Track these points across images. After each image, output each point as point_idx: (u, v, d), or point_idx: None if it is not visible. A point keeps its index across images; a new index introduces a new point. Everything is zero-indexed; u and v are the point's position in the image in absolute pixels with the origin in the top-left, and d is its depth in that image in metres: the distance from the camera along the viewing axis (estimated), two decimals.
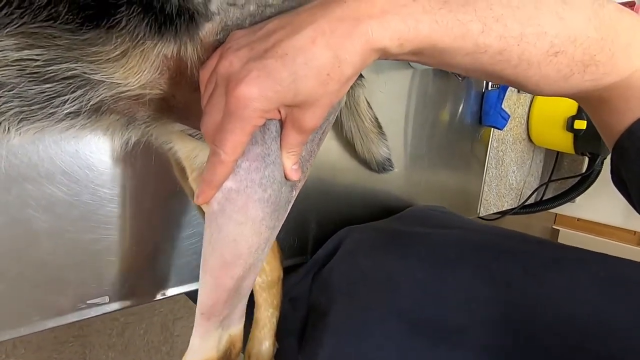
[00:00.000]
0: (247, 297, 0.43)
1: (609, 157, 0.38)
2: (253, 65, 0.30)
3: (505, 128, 0.94)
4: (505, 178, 1.09)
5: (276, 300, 0.54)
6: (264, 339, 0.52)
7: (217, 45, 0.35)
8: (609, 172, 0.42)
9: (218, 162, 0.33)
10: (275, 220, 0.38)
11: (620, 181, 0.40)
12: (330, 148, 0.65)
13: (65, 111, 0.33)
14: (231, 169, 0.34)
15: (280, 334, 0.54)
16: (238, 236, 0.36)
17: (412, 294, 0.46)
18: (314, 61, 0.29)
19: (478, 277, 0.44)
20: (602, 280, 0.39)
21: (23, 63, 0.29)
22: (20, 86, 0.30)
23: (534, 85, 0.35)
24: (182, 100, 0.38)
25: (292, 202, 0.40)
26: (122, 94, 0.34)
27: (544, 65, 0.33)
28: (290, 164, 0.36)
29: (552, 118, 1.05)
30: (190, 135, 0.44)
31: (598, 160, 1.04)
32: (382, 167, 0.69)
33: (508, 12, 0.31)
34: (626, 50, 0.34)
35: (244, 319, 0.44)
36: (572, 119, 0.99)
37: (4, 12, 0.27)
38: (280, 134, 0.35)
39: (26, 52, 0.29)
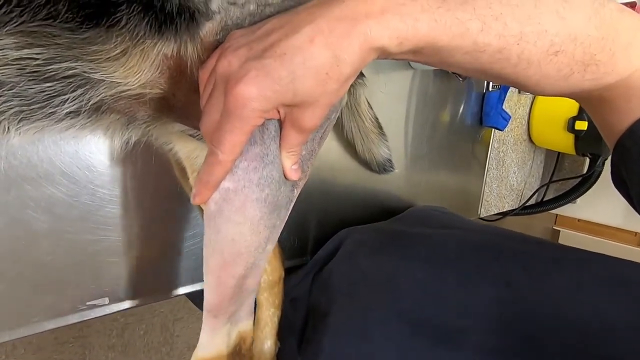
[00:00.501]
0: (254, 294, 0.43)
1: (610, 158, 0.38)
2: (252, 65, 0.29)
3: (506, 129, 0.94)
4: (506, 179, 1.09)
5: (277, 300, 0.54)
6: (266, 338, 0.52)
7: (217, 44, 0.35)
8: (610, 172, 0.42)
9: (216, 161, 0.32)
10: (275, 219, 0.37)
11: (620, 182, 0.40)
12: (331, 148, 0.65)
13: (65, 110, 0.33)
14: (229, 168, 0.33)
15: (281, 334, 0.54)
16: (236, 236, 0.36)
17: (413, 295, 0.46)
18: (312, 61, 0.29)
19: (478, 277, 0.44)
20: (602, 281, 0.39)
21: (23, 62, 0.29)
22: (20, 85, 0.30)
23: (534, 84, 0.35)
24: (182, 100, 0.38)
25: (294, 200, 0.40)
26: (122, 93, 0.34)
27: (544, 65, 0.33)
28: (289, 164, 0.36)
29: (553, 119, 1.04)
30: (190, 135, 0.44)
31: (599, 161, 1.03)
32: (383, 167, 0.69)
33: (507, 10, 0.31)
34: (627, 50, 0.34)
35: (252, 315, 0.44)
36: (573, 119, 0.99)
37: (3, 10, 0.27)
38: (280, 133, 0.35)
39: (26, 51, 0.29)
